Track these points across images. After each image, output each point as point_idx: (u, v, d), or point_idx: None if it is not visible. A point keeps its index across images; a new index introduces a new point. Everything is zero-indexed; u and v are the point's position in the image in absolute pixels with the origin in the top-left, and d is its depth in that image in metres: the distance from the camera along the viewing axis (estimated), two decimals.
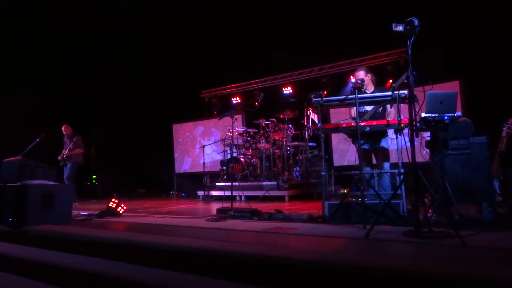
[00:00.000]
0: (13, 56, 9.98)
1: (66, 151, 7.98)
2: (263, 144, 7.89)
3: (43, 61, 10.45)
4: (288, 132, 8.04)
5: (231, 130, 6.63)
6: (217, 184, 8.35)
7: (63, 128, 8.30)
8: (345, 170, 7.68)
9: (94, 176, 11.39)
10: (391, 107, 4.44)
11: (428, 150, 3.86)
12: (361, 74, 4.54)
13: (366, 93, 4.51)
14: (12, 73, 9.97)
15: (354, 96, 3.57)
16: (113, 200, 5.06)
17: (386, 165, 4.42)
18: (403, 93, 3.65)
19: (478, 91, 7.19)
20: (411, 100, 2.94)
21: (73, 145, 7.98)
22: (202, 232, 3.44)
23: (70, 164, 7.98)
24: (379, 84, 4.92)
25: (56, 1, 9.78)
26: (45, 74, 10.53)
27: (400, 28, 2.88)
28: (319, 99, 3.91)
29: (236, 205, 5.79)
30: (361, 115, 4.34)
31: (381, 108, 4.47)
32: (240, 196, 7.32)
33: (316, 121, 3.97)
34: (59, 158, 8.05)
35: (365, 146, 4.54)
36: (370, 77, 4.63)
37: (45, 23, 10.08)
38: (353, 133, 4.17)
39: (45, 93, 10.32)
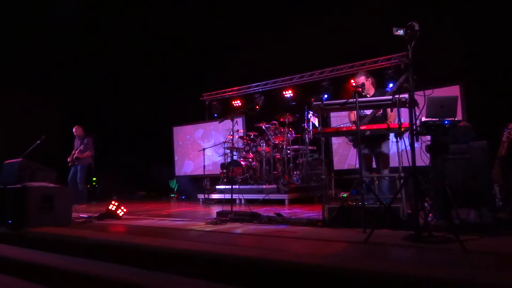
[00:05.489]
0: (15, 57, 10.00)
1: (76, 152, 7.94)
2: (263, 148, 7.89)
3: (44, 63, 10.47)
4: (289, 135, 8.03)
5: (231, 133, 6.64)
6: (217, 187, 8.35)
7: (74, 129, 8.23)
8: (345, 174, 7.67)
9: (94, 179, 11.37)
10: (391, 111, 4.44)
11: (428, 154, 3.85)
12: (361, 79, 4.56)
13: (367, 96, 4.52)
14: (14, 75, 9.99)
15: (355, 100, 3.58)
16: (113, 202, 5.05)
17: (385, 172, 4.43)
18: (403, 97, 3.64)
19: (479, 96, 7.19)
20: (411, 104, 2.94)
21: (84, 147, 7.93)
22: (202, 235, 3.44)
23: (80, 166, 7.91)
24: (379, 86, 4.92)
25: (60, 2, 9.82)
26: (46, 76, 10.55)
27: (400, 32, 2.88)
28: (320, 102, 3.92)
29: (236, 208, 5.79)
30: (362, 118, 4.34)
31: (381, 112, 4.47)
32: (240, 199, 7.31)
33: (317, 125, 3.96)
34: (68, 159, 8.02)
35: (366, 151, 4.54)
36: (370, 81, 4.65)
37: (47, 24, 10.12)
38: (355, 137, 4.17)
39: (46, 95, 10.33)
